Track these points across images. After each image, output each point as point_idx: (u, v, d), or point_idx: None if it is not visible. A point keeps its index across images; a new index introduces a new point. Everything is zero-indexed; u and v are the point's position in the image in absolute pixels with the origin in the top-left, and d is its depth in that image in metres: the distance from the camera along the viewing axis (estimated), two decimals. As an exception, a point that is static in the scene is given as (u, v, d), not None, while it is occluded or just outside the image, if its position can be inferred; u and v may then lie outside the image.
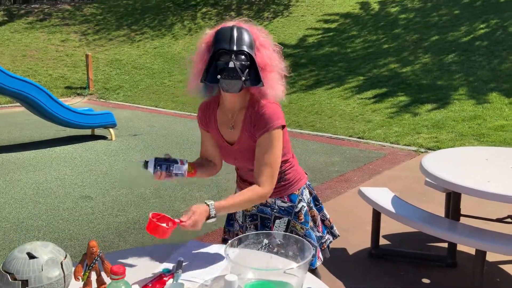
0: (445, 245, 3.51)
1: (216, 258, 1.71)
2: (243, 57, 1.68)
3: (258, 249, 1.60)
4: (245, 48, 1.69)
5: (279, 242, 1.60)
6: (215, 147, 1.96)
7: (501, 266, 3.27)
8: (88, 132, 7.58)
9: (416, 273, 3.19)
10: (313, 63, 11.81)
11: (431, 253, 3.49)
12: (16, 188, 4.95)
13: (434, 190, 4.80)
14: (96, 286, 1.50)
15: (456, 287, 3.02)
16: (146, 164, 1.77)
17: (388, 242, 3.68)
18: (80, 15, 16.81)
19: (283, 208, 1.94)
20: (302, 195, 1.98)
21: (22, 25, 15.46)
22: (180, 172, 1.78)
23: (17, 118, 8.80)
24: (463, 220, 3.76)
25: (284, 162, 1.91)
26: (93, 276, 1.54)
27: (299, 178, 1.98)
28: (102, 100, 11.07)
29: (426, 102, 8.45)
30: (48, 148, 6.60)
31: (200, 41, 1.79)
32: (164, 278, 1.55)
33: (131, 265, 1.66)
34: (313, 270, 1.99)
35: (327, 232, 2.09)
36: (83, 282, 1.48)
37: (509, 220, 3.58)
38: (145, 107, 10.11)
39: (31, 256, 1.35)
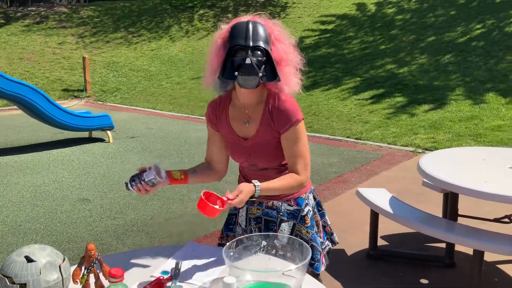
0: (443, 245, 3.52)
1: (214, 260, 1.71)
2: (259, 52, 1.69)
3: (257, 251, 1.60)
4: (261, 44, 1.69)
5: (277, 244, 1.60)
6: (221, 148, 1.94)
7: (499, 266, 3.28)
8: (85, 134, 7.57)
9: (414, 273, 3.20)
10: (310, 65, 11.83)
11: (429, 253, 3.50)
12: (14, 191, 4.94)
13: (431, 191, 4.80)
14: (94, 289, 1.49)
15: (454, 287, 3.02)
16: (126, 186, 1.76)
17: (386, 243, 3.68)
18: (77, 17, 16.80)
19: (289, 212, 1.93)
20: (308, 199, 1.97)
21: (19, 28, 15.44)
22: (151, 177, 1.72)
23: (14, 121, 8.78)
24: (460, 220, 3.77)
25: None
26: (92, 279, 1.54)
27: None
28: (99, 102, 11.06)
29: (423, 102, 8.47)
30: (46, 151, 6.59)
31: (215, 37, 1.80)
32: (163, 281, 1.55)
33: (129, 268, 1.65)
34: (316, 275, 1.98)
35: (327, 239, 2.08)
36: (81, 285, 1.48)
37: (506, 220, 3.59)
38: (143, 109, 10.10)
39: (29, 260, 1.34)
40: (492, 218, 3.62)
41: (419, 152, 6.30)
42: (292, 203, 1.93)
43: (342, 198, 4.66)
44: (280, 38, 1.76)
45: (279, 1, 17.19)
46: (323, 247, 2.03)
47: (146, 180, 1.72)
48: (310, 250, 1.46)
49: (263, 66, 1.69)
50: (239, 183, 2.03)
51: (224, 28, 1.78)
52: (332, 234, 2.11)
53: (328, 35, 13.71)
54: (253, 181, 1.69)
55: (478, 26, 11.83)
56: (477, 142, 6.48)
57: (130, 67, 13.25)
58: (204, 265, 1.67)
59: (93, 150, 6.64)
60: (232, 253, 1.51)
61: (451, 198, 3.22)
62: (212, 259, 1.72)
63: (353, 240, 3.70)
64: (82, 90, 11.63)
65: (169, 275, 1.59)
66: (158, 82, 12.17)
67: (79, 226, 4.09)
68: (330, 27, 14.24)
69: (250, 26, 1.70)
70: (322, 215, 2.07)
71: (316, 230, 1.99)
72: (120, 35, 15.53)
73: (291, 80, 1.76)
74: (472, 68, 9.78)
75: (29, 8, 17.78)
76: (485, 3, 13.20)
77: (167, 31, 15.69)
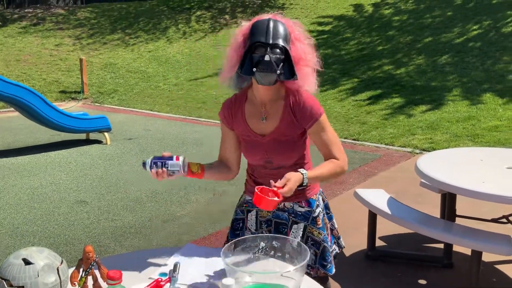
0: (441, 245, 3.52)
1: (213, 261, 1.71)
2: (278, 50, 1.71)
3: (255, 252, 1.60)
4: (280, 42, 1.71)
5: (276, 245, 1.60)
6: (235, 147, 1.95)
7: (497, 266, 3.28)
8: (83, 136, 7.56)
9: (412, 274, 3.20)
10: (307, 66, 11.82)
11: (427, 254, 3.50)
12: (11, 193, 4.92)
13: (429, 191, 4.81)
14: (92, 291, 1.49)
15: (452, 287, 3.03)
16: (144, 164, 1.76)
17: (384, 244, 3.69)
18: (74, 19, 16.78)
19: (300, 213, 1.92)
20: (319, 200, 1.97)
21: (16, 30, 15.41)
22: (175, 168, 1.74)
23: (11, 123, 8.76)
24: (458, 220, 3.78)
25: (306, 164, 1.91)
26: (90, 281, 1.53)
27: (316, 183, 1.96)
28: (96, 104, 11.04)
29: (421, 103, 8.48)
30: (43, 153, 6.58)
31: (236, 33, 1.82)
32: (161, 283, 1.55)
33: (127, 270, 1.65)
34: (327, 278, 1.97)
35: (334, 243, 2.06)
36: (79, 287, 1.47)
37: (504, 220, 3.59)
38: (140, 110, 10.09)
39: (27, 262, 1.34)
40: (490, 219, 3.63)
41: (417, 153, 6.31)
42: (303, 205, 1.93)
43: (340, 199, 4.66)
44: (299, 37, 1.79)
45: (276, 2, 17.21)
46: (331, 250, 2.02)
47: (170, 169, 1.74)
48: (309, 252, 1.46)
49: (282, 64, 1.71)
50: (246, 186, 2.03)
51: (245, 25, 1.80)
52: (339, 238, 2.09)
53: (325, 36, 13.73)
54: (299, 170, 1.71)
55: (475, 27, 11.86)
56: (475, 142, 6.49)
57: (127, 68, 13.24)
58: (203, 266, 1.67)
59: (91, 152, 6.63)
60: (230, 255, 1.51)
61: (449, 199, 3.22)
62: (211, 260, 1.72)
63: (352, 241, 3.70)
64: (79, 92, 11.61)
65: (168, 277, 1.59)
66: (155, 83, 12.16)
67: (77, 228, 4.08)
68: (327, 28, 14.26)
69: (271, 24, 1.73)
70: (330, 218, 2.05)
71: (327, 232, 1.98)
72: (117, 36, 15.52)
73: (308, 79, 1.80)
74: (469, 68, 9.81)
75: (26, 10, 17.75)
76: (481, 4, 13.24)
77: (164, 33, 15.68)
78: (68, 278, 1.44)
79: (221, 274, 1.60)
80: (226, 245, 1.50)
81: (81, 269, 1.49)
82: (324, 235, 1.93)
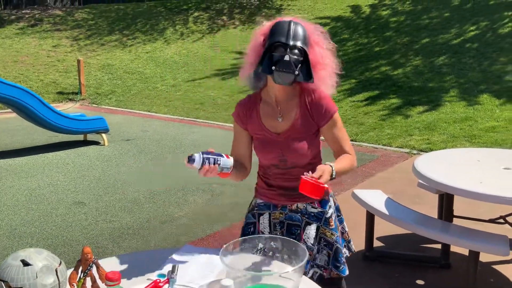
0: (439, 246, 3.53)
1: (211, 262, 1.71)
2: (297, 51, 1.75)
3: (254, 253, 1.60)
4: (299, 44, 1.75)
5: (275, 246, 1.60)
6: (248, 146, 1.96)
7: (494, 266, 3.29)
8: (80, 137, 7.55)
9: (410, 274, 3.21)
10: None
11: (425, 254, 3.51)
12: (9, 195, 4.92)
13: (427, 192, 4.81)
14: (91, 292, 1.49)
15: (450, 288, 3.04)
16: (190, 158, 1.68)
17: (382, 244, 3.69)
18: (72, 20, 16.76)
19: (312, 214, 1.93)
20: (331, 201, 1.98)
21: (13, 31, 15.39)
22: (226, 166, 1.72)
23: (9, 124, 8.74)
24: (456, 221, 3.78)
25: (319, 164, 1.92)
26: (88, 282, 1.54)
27: (328, 184, 1.97)
28: (94, 105, 11.03)
29: (418, 104, 8.50)
30: (40, 154, 6.57)
31: (256, 32, 1.86)
32: (160, 284, 1.55)
33: (126, 271, 1.65)
34: (340, 279, 1.97)
35: (344, 246, 2.04)
36: (78, 288, 1.47)
37: (501, 220, 3.60)
38: (138, 111, 10.08)
39: (25, 263, 1.34)
40: (487, 219, 3.64)
41: (414, 154, 6.32)
42: (316, 205, 1.94)
43: (338, 200, 4.65)
44: (318, 42, 1.83)
45: (273, 3, 17.22)
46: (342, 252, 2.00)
47: (222, 166, 1.71)
48: (307, 252, 1.46)
49: (300, 65, 1.74)
50: (256, 190, 2.03)
51: (266, 24, 1.84)
52: (349, 241, 2.07)
53: (323, 37, 13.72)
54: (326, 162, 1.72)
55: (472, 28, 11.90)
56: (472, 143, 6.51)
57: (125, 69, 13.23)
58: (201, 267, 1.67)
59: (88, 153, 6.62)
60: (229, 255, 1.51)
61: (446, 199, 3.23)
62: (209, 261, 1.72)
63: (349, 241, 3.71)
64: (77, 93, 11.60)
65: (166, 277, 1.59)
66: (153, 84, 12.15)
67: (75, 229, 4.07)
68: (324, 29, 14.24)
69: (292, 25, 1.77)
70: (341, 221, 2.05)
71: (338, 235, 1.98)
72: (115, 37, 15.51)
73: (324, 82, 1.84)
74: (466, 69, 9.83)
75: (23, 11, 17.72)
76: (479, 5, 13.28)
77: (162, 34, 15.67)
78: (67, 279, 1.44)
79: (220, 274, 1.61)
80: (225, 245, 1.51)
81: (79, 270, 1.49)
82: (337, 236, 1.93)
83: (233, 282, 1.34)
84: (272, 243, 1.60)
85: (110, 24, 16.59)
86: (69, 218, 4.31)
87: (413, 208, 4.08)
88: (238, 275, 1.38)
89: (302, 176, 1.61)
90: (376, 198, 3.41)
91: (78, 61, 11.55)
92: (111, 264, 1.69)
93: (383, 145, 6.81)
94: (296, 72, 1.72)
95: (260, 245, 1.60)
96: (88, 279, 1.54)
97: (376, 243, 3.68)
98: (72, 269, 1.51)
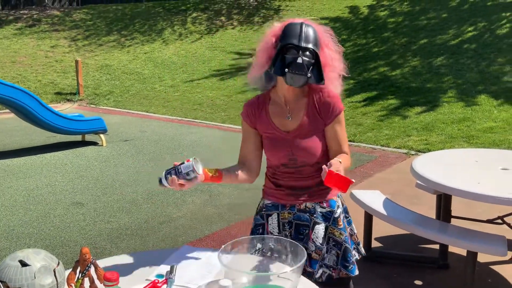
0: (437, 246, 3.53)
1: (209, 263, 1.71)
2: (309, 54, 1.77)
3: (252, 254, 1.60)
4: (311, 46, 1.77)
5: (273, 246, 1.61)
6: (257, 146, 1.96)
7: (492, 267, 3.30)
8: (78, 138, 7.54)
9: (408, 275, 3.21)
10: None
11: (423, 255, 3.51)
12: (6, 195, 4.91)
13: (425, 192, 4.83)
14: (89, 293, 1.49)
15: (448, 288, 3.04)
16: (160, 181, 1.69)
17: (380, 245, 3.70)
18: (70, 20, 16.74)
19: (321, 214, 1.93)
20: (339, 202, 1.98)
21: (11, 31, 15.37)
22: (189, 169, 1.67)
23: (7, 125, 8.73)
24: (453, 221, 3.79)
25: (325, 163, 1.92)
26: (86, 283, 1.53)
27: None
28: (92, 105, 11.02)
29: (416, 104, 8.51)
30: (39, 155, 6.56)
31: (266, 33, 1.86)
32: (158, 284, 1.55)
33: (124, 271, 1.65)
34: (349, 279, 1.97)
35: (354, 248, 2.01)
36: (76, 289, 1.47)
37: (499, 221, 3.61)
38: (136, 112, 10.08)
39: (23, 264, 1.34)
40: (485, 219, 3.64)
41: (412, 154, 6.33)
42: (325, 205, 1.94)
43: (336, 200, 4.67)
44: (328, 44, 1.85)
45: (272, 4, 17.23)
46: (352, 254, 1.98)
47: (183, 172, 1.67)
48: (305, 253, 1.47)
49: (311, 67, 1.77)
50: (264, 191, 2.03)
51: (277, 26, 1.85)
52: (358, 244, 2.05)
53: (321, 37, 13.73)
54: (335, 158, 1.73)
55: (470, 29, 11.92)
56: (470, 143, 6.52)
57: (123, 70, 13.22)
58: (200, 268, 1.67)
59: (86, 154, 6.62)
60: (227, 256, 1.51)
61: (444, 200, 3.24)
62: (208, 261, 1.72)
63: (347, 242, 3.71)
64: (75, 94, 11.59)
65: (164, 278, 1.59)
66: (151, 85, 12.15)
67: (73, 230, 4.07)
68: (323, 30, 14.28)
69: (304, 27, 1.78)
70: (349, 223, 2.03)
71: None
72: (113, 38, 15.50)
73: (333, 83, 1.87)
74: (464, 70, 9.85)
75: (21, 11, 17.70)
76: (476, 6, 13.31)
77: (160, 34, 15.67)
78: (65, 279, 1.44)
79: (218, 275, 1.61)
80: (223, 246, 1.51)
81: (77, 271, 1.49)
82: (346, 236, 1.93)
83: (231, 283, 1.34)
84: (270, 244, 1.60)
85: (108, 25, 16.58)
86: (67, 219, 4.30)
87: (411, 209, 4.10)
88: (237, 275, 1.38)
89: (327, 168, 1.62)
90: (374, 199, 3.42)
91: (76, 61, 11.55)
92: (109, 265, 1.69)
93: (381, 145, 6.81)
94: (309, 75, 1.75)
95: (259, 246, 1.60)
96: (86, 280, 1.54)
97: (374, 244, 3.68)
98: (70, 269, 1.51)
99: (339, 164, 1.66)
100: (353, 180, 1.60)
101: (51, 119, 6.51)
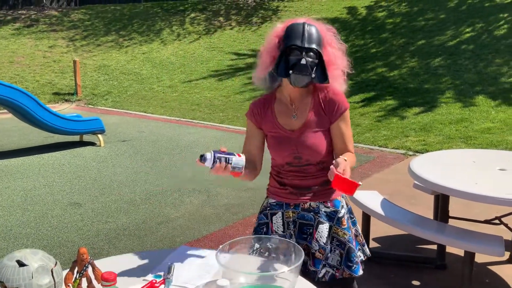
0: (435, 247, 3.54)
1: (207, 263, 1.71)
2: (312, 54, 1.78)
3: (250, 254, 1.60)
4: (315, 46, 1.78)
5: (271, 246, 1.61)
6: (261, 144, 1.98)
7: (490, 267, 3.31)
8: (76, 138, 7.53)
9: (406, 275, 3.21)
10: (301, 68, 11.84)
11: (421, 255, 3.52)
12: (4, 196, 4.90)
13: (422, 193, 4.83)
14: (87, 293, 1.49)
15: (445, 288, 3.04)
16: (202, 157, 1.69)
17: (378, 245, 3.70)
18: (68, 20, 16.72)
19: (325, 214, 1.93)
20: (343, 201, 1.98)
21: (9, 31, 15.34)
22: (238, 166, 1.72)
23: (5, 125, 8.71)
24: (451, 222, 3.80)
25: (330, 162, 1.92)
26: (84, 283, 1.53)
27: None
28: (90, 106, 11.01)
29: (414, 105, 8.52)
30: (36, 155, 6.55)
31: (269, 34, 1.87)
32: (155, 284, 1.55)
33: (122, 272, 1.65)
34: (352, 279, 1.96)
35: (359, 249, 2.01)
36: (73, 289, 1.47)
37: (496, 221, 3.62)
38: (134, 112, 10.07)
39: (21, 264, 1.34)
40: (482, 220, 3.65)
41: (410, 155, 6.34)
42: (329, 205, 1.94)
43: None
44: (331, 42, 1.86)
45: (270, 4, 17.24)
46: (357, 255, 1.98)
47: (233, 165, 1.71)
48: (303, 253, 1.47)
49: (315, 67, 1.78)
50: (268, 190, 2.03)
51: (280, 27, 1.86)
52: (363, 245, 2.05)
53: (319, 38, 13.74)
54: (340, 157, 1.72)
55: (467, 30, 11.94)
56: (467, 144, 6.53)
57: (121, 70, 13.21)
58: (197, 268, 1.67)
59: (84, 154, 6.61)
60: (225, 256, 1.51)
61: (442, 200, 3.24)
62: (205, 261, 1.72)
63: (345, 242, 3.71)
64: (73, 94, 11.57)
65: (162, 278, 1.59)
66: (149, 85, 12.14)
67: (70, 230, 4.07)
68: (321, 30, 14.29)
69: (306, 27, 1.79)
70: (354, 223, 2.03)
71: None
72: (111, 38, 15.49)
73: (337, 81, 1.89)
74: (462, 71, 9.87)
75: (20, 12, 17.68)
76: (474, 7, 13.33)
77: (159, 35, 15.66)
78: (62, 279, 1.44)
79: (216, 275, 1.61)
80: (221, 246, 1.51)
81: (75, 271, 1.49)
82: (349, 236, 1.93)
83: (229, 283, 1.34)
84: (268, 244, 1.60)
85: (107, 25, 16.57)
86: (65, 219, 4.30)
87: (409, 209, 4.10)
88: (234, 275, 1.38)
89: (334, 171, 1.61)
90: (372, 199, 3.42)
91: (74, 61, 11.53)
92: (107, 265, 1.69)
93: (379, 146, 6.82)
94: (313, 75, 1.77)
95: (256, 246, 1.60)
96: (84, 280, 1.54)
97: (372, 244, 3.69)
98: (68, 269, 1.51)
99: (345, 163, 1.66)
100: (360, 183, 1.60)
101: (49, 120, 6.50)
